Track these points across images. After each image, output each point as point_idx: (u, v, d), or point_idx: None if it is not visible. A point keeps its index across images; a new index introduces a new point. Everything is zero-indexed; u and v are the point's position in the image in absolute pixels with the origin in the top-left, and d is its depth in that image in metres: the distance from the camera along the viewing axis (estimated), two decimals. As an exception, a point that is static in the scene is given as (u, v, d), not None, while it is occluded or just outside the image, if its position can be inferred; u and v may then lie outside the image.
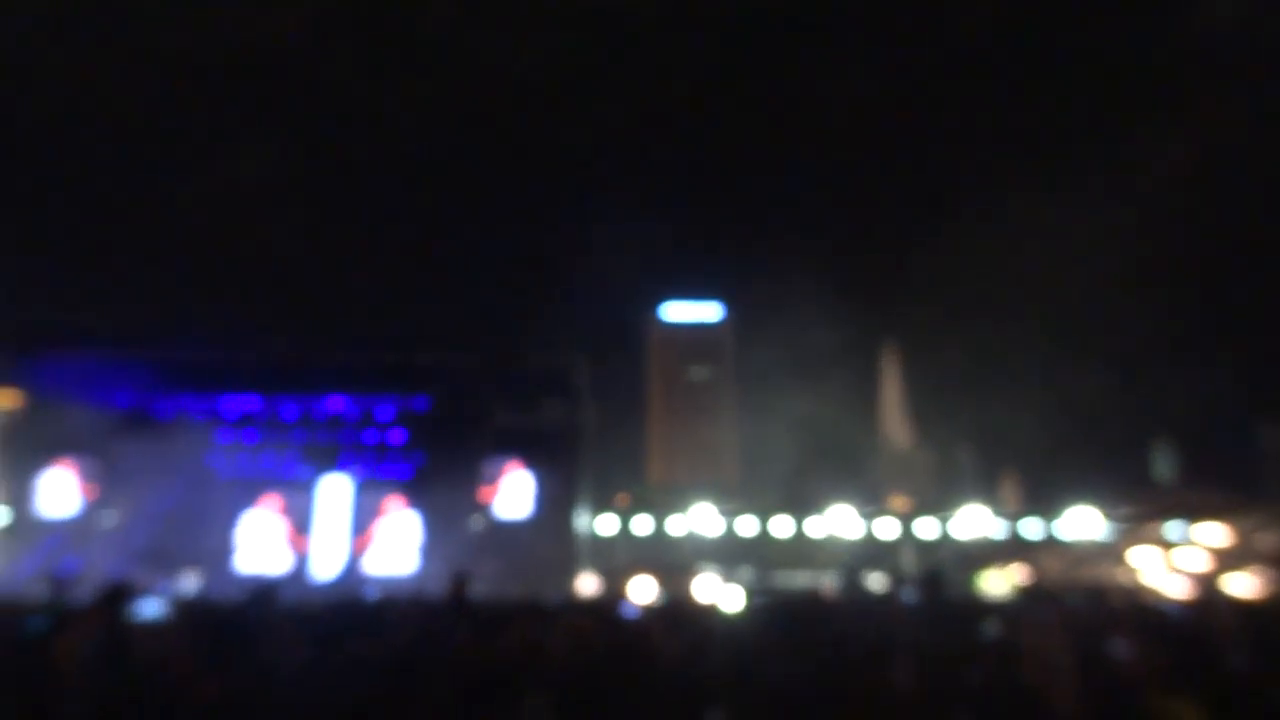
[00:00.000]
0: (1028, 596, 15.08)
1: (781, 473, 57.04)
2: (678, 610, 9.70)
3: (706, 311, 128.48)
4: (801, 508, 41.49)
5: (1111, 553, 40.93)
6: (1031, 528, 40.92)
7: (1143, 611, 10.41)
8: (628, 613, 8.79)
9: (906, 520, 41.70)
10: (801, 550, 41.02)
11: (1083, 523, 40.15)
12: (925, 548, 40.39)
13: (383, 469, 39.31)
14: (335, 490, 38.12)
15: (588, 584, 36.56)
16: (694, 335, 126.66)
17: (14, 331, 41.72)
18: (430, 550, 36.02)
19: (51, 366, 38.45)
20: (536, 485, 37.95)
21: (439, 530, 35.97)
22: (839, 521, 40.48)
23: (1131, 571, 38.96)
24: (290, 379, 39.35)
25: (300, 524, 37.85)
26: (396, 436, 39.84)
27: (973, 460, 65.26)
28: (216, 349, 40.51)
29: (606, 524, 42.50)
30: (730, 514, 41.87)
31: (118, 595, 4.27)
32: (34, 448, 38.29)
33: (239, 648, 4.33)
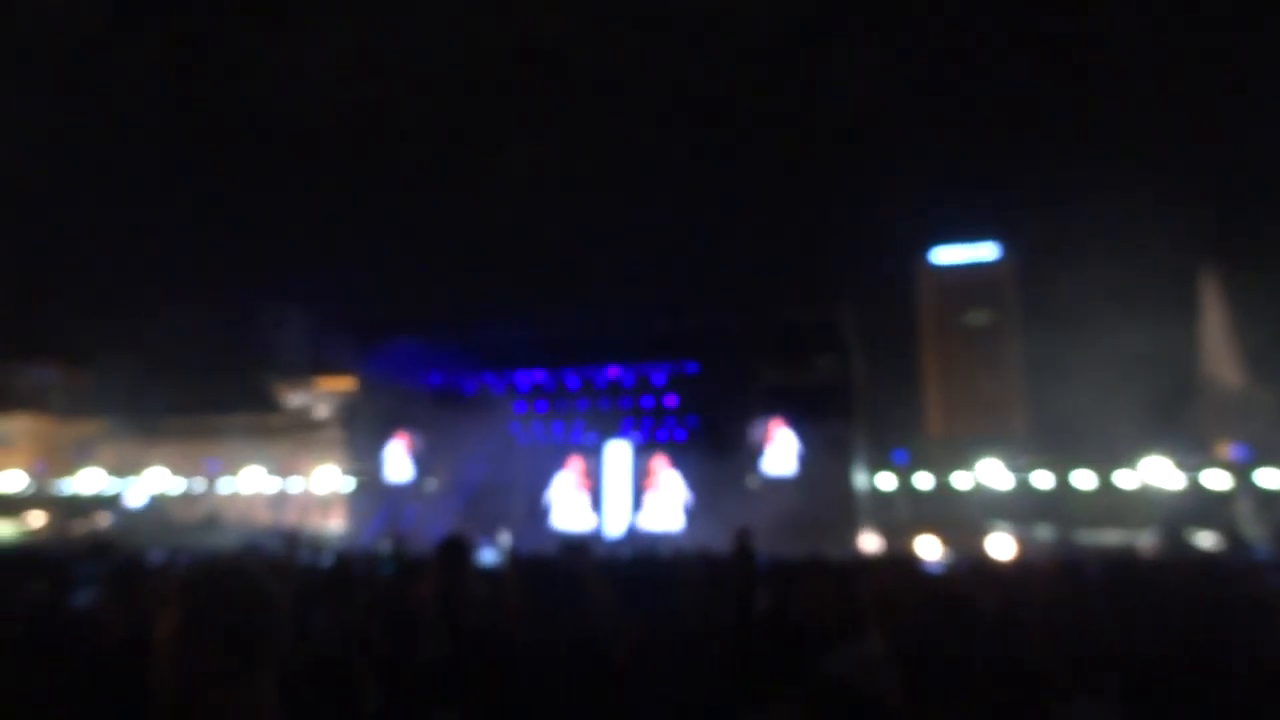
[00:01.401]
0: None
1: (1078, 423, 51.88)
2: (982, 567, 9.16)
3: (981, 252, 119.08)
4: (1106, 461, 37.55)
5: None
6: None
7: None
8: (930, 568, 8.46)
9: (1243, 470, 36.30)
10: (1108, 506, 37.14)
11: None
12: (1269, 500, 34.95)
13: (660, 433, 41.01)
14: (618, 454, 40.53)
15: (869, 542, 35.80)
16: (969, 277, 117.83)
17: (349, 326, 48.48)
18: (702, 509, 37.11)
19: (378, 354, 44.43)
20: (810, 442, 37.63)
21: (711, 489, 36.91)
22: (1155, 473, 36.15)
23: None
24: (572, 351, 42.08)
25: (592, 486, 40.82)
26: (670, 401, 41.30)
27: (1327, 398, 55.11)
28: (508, 329, 44.27)
29: (885, 480, 41.28)
30: (1022, 469, 38.88)
31: (459, 547, 4.78)
32: (368, 424, 44.55)
33: (562, 595, 4.67)
